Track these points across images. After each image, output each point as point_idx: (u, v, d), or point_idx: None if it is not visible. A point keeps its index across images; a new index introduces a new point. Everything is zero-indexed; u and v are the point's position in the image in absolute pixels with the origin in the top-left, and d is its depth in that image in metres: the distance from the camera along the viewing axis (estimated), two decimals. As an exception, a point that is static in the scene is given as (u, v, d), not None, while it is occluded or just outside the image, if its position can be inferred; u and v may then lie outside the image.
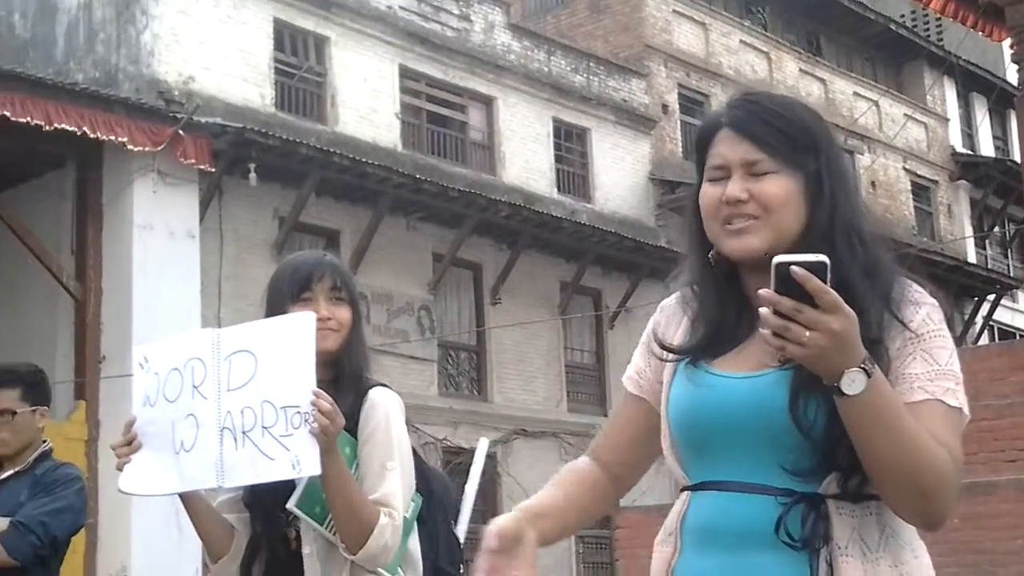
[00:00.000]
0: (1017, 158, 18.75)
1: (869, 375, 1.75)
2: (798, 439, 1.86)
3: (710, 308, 2.06)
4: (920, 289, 1.99)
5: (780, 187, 1.96)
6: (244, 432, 2.77)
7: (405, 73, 20.05)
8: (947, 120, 31.05)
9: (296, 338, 2.77)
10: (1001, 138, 32.52)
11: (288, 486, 2.87)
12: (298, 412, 2.72)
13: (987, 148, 31.82)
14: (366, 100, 19.32)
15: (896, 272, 2.00)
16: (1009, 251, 31.64)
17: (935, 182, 30.04)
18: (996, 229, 31.09)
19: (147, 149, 13.99)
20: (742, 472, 1.92)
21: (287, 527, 2.96)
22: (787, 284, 1.71)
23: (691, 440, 2.00)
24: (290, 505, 2.89)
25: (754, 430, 1.90)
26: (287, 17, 18.44)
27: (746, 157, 1.98)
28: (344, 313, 3.03)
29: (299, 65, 18.73)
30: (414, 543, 3.08)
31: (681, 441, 2.02)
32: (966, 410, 1.92)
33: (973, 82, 31.08)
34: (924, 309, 1.95)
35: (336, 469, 2.79)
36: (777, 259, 1.74)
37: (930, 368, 1.90)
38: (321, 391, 2.75)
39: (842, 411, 1.78)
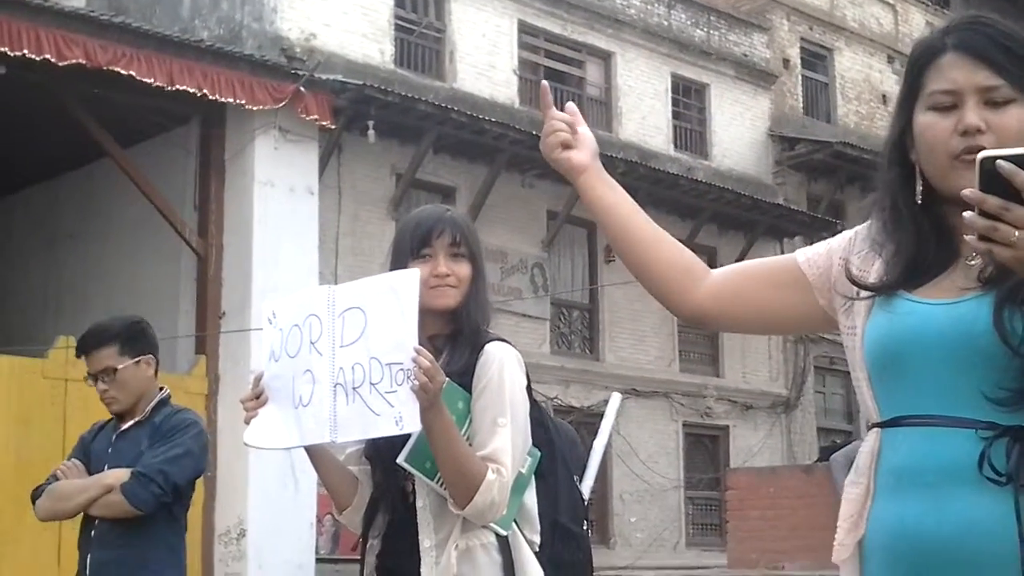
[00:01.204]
0: None
1: None
2: (1004, 360, 1.77)
3: (908, 243, 1.93)
4: None
5: (1020, 118, 1.85)
6: (354, 388, 2.81)
7: (523, 28, 20.00)
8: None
9: (401, 295, 2.78)
10: None
11: (406, 440, 2.91)
12: (401, 369, 2.74)
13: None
14: (484, 56, 19.33)
15: None
16: None
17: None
18: None
19: (268, 107, 14.17)
20: (941, 404, 1.82)
21: (405, 481, 2.99)
22: (994, 182, 1.61)
23: (887, 370, 1.90)
24: (400, 460, 2.93)
25: (956, 355, 1.82)
26: (407, -27, 18.53)
27: (983, 83, 1.85)
28: (464, 269, 3.03)
29: (419, 21, 18.80)
30: (531, 499, 3.07)
31: (876, 371, 1.93)
32: None
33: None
34: None
35: (440, 425, 2.80)
36: (982, 154, 1.64)
37: None
38: (422, 348, 2.75)
39: None
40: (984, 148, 1.80)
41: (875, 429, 1.93)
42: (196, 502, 14.26)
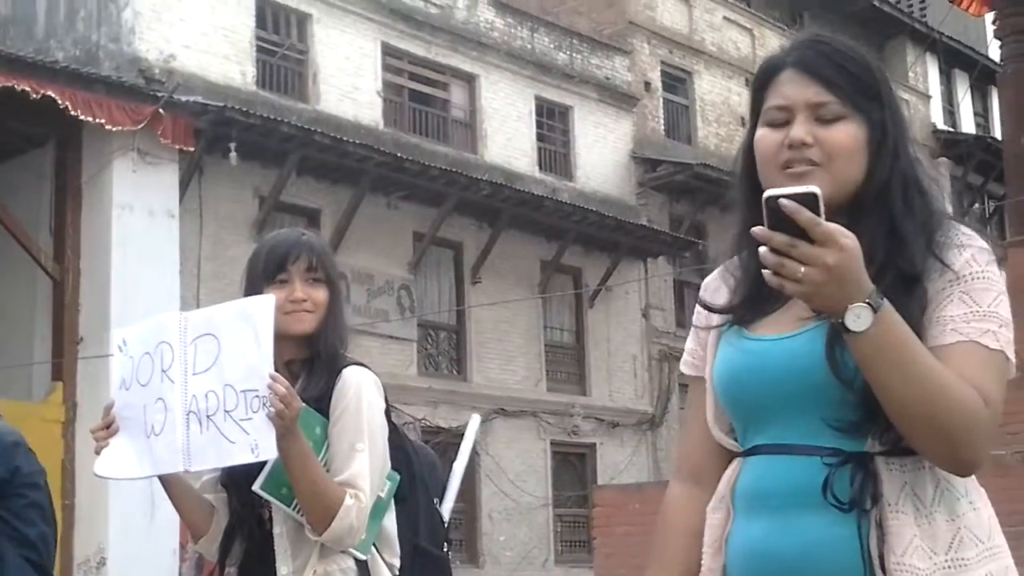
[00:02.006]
0: (998, 135, 18.80)
1: (876, 310, 1.68)
2: (840, 392, 1.80)
3: (750, 267, 1.95)
4: (969, 232, 1.90)
5: (848, 134, 1.88)
6: (208, 416, 2.77)
7: (387, 51, 20.00)
8: (929, 97, 31.07)
9: (255, 320, 2.77)
10: (982, 115, 32.58)
11: (262, 467, 2.88)
12: (257, 396, 2.73)
13: (968, 125, 31.86)
14: (348, 78, 19.28)
15: (947, 218, 1.92)
16: (988, 228, 31.74)
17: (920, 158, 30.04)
18: (976, 206, 31.16)
19: (127, 128, 13.94)
20: (789, 434, 1.86)
21: (262, 508, 2.97)
22: (781, 218, 1.66)
23: (736, 407, 1.95)
24: (256, 487, 2.90)
25: (796, 390, 1.85)
26: (269, -6, 18.41)
27: (813, 99, 1.89)
28: (320, 294, 3.01)
29: (281, 43, 18.67)
30: (391, 522, 3.06)
31: (728, 408, 1.98)
32: (1010, 354, 1.82)
33: (955, 59, 31.09)
34: (969, 251, 1.86)
35: (297, 452, 2.78)
36: (767, 193, 1.68)
37: (969, 310, 1.82)
38: (277, 375, 2.73)
39: (852, 350, 1.72)
40: (812, 161, 1.87)
41: (736, 459, 1.98)
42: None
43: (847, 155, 1.88)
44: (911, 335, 1.73)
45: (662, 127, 24.74)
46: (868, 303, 1.68)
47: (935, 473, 1.83)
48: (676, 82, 25.36)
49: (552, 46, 22.79)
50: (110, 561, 12.64)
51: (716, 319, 2.03)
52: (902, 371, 1.71)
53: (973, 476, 1.85)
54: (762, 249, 1.69)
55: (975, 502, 1.86)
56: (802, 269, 1.66)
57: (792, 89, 1.91)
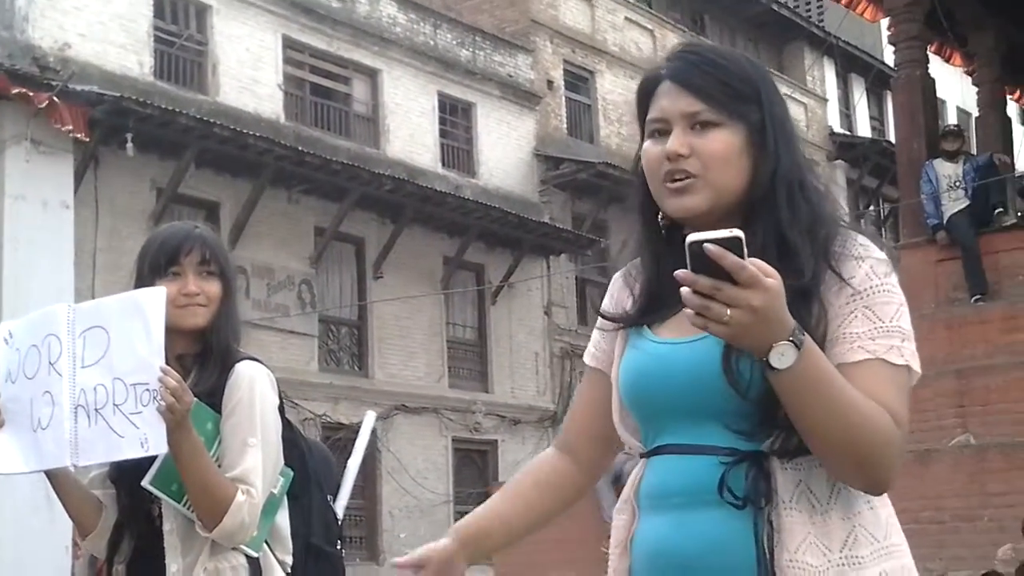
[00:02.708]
0: (892, 139, 19.19)
1: (799, 347, 1.69)
2: (737, 400, 1.82)
3: (652, 271, 2.00)
4: (865, 242, 1.91)
5: (722, 142, 1.89)
6: (96, 409, 2.76)
7: (288, 43, 19.81)
8: (826, 100, 31.60)
9: (146, 313, 2.74)
10: (878, 119, 33.21)
11: (152, 462, 2.84)
12: (147, 389, 2.70)
13: (864, 129, 32.46)
14: (248, 70, 19.05)
15: (839, 225, 1.93)
16: (883, 230, 32.37)
17: (813, 161, 30.54)
18: (871, 208, 31.76)
19: (19, 116, 13.61)
20: (689, 435, 1.89)
21: (151, 504, 2.92)
22: (704, 261, 1.65)
23: (639, 408, 1.97)
24: (145, 482, 2.85)
25: (695, 395, 1.87)
26: (167, -16, 18.11)
27: (686, 109, 1.90)
28: (213, 287, 2.97)
29: (179, 33, 18.39)
30: (283, 519, 3.03)
31: (632, 409, 2.00)
32: (915, 366, 1.86)
33: (852, 63, 31.66)
34: (867, 263, 1.88)
35: (188, 446, 2.75)
36: (690, 238, 1.67)
37: (873, 326, 1.84)
38: (168, 368, 2.71)
39: (775, 385, 1.73)
40: (688, 172, 1.89)
41: (642, 459, 2.00)
42: (-59, 528, 13.36)
43: (722, 162, 1.89)
44: (830, 368, 1.75)
45: (565, 125, 24.82)
46: (791, 341, 1.68)
47: None
48: (579, 81, 25.47)
49: (455, 43, 22.76)
50: (1, 559, 12.34)
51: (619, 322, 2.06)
52: (823, 403, 1.72)
53: None
54: (684, 291, 1.67)
55: (872, 500, 1.88)
56: (728, 312, 1.65)
57: (667, 101, 1.92)
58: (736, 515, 1.83)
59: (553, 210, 23.46)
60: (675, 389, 1.90)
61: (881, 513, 1.89)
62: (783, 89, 30.30)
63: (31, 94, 13.60)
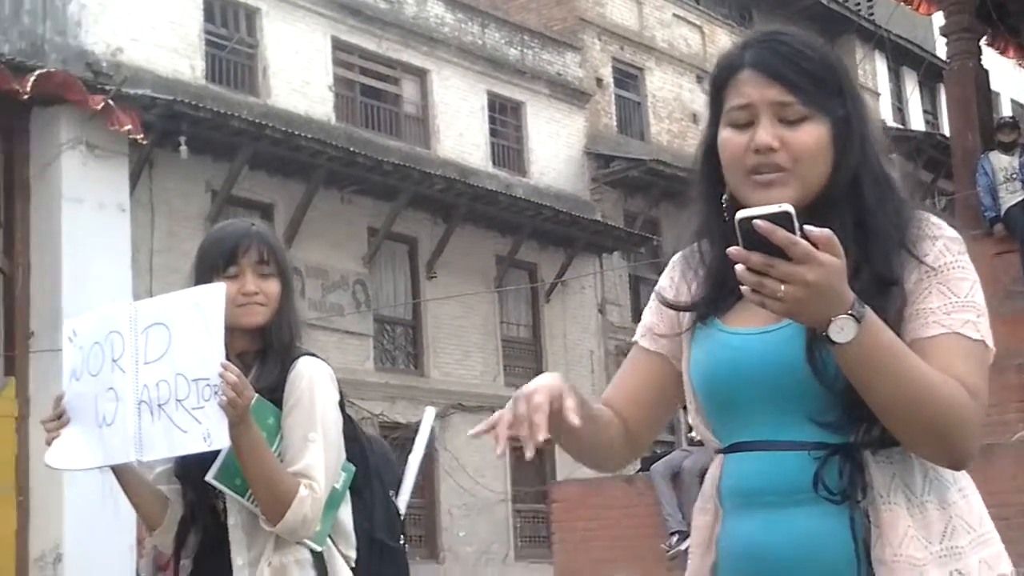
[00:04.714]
0: (946, 132, 19.00)
1: (859, 320, 1.67)
2: (822, 390, 1.80)
3: (717, 259, 1.94)
4: (938, 222, 1.90)
5: (812, 136, 1.85)
6: (159, 405, 2.77)
7: (338, 45, 19.90)
8: (878, 94, 31.34)
9: (206, 310, 2.76)
10: (931, 112, 32.89)
11: (216, 457, 2.86)
12: (208, 384, 2.72)
13: (917, 122, 32.16)
14: (299, 72, 19.16)
15: (916, 210, 1.92)
16: (938, 224, 32.08)
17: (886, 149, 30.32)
18: (927, 202, 31.48)
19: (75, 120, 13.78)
20: (772, 430, 1.86)
21: (216, 498, 2.95)
22: (756, 238, 1.64)
23: (716, 403, 1.93)
24: (209, 477, 2.88)
25: (777, 387, 1.84)
26: (217, -13, 18.25)
27: (776, 99, 1.86)
28: (272, 286, 2.98)
29: (230, 36, 18.52)
30: (346, 514, 3.05)
31: (707, 404, 1.95)
32: (990, 343, 1.84)
33: (903, 56, 31.38)
34: (941, 242, 1.87)
35: (249, 441, 2.77)
36: (740, 214, 1.66)
37: (947, 301, 1.82)
38: (229, 363, 2.72)
39: (839, 360, 1.71)
40: (780, 166, 1.85)
41: (718, 455, 1.96)
42: (8, 525, 13.68)
43: (813, 157, 1.86)
44: (895, 340, 1.73)
45: (615, 123, 24.78)
46: (851, 314, 1.67)
47: (923, 463, 1.83)
48: (628, 78, 25.41)
49: (503, 41, 22.77)
50: (66, 557, 12.51)
51: (686, 316, 2.01)
52: (889, 376, 1.71)
53: None
54: (739, 268, 1.67)
55: (964, 489, 1.87)
56: (782, 288, 1.64)
57: (754, 90, 1.87)
58: (830, 512, 1.81)
59: (605, 208, 23.42)
60: (754, 381, 1.86)
61: (973, 501, 1.87)
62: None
63: (86, 99, 13.73)
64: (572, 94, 23.76)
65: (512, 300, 21.84)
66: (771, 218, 1.64)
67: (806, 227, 1.65)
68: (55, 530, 12.53)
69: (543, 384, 1.86)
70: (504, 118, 22.68)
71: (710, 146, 1.95)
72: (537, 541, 20.85)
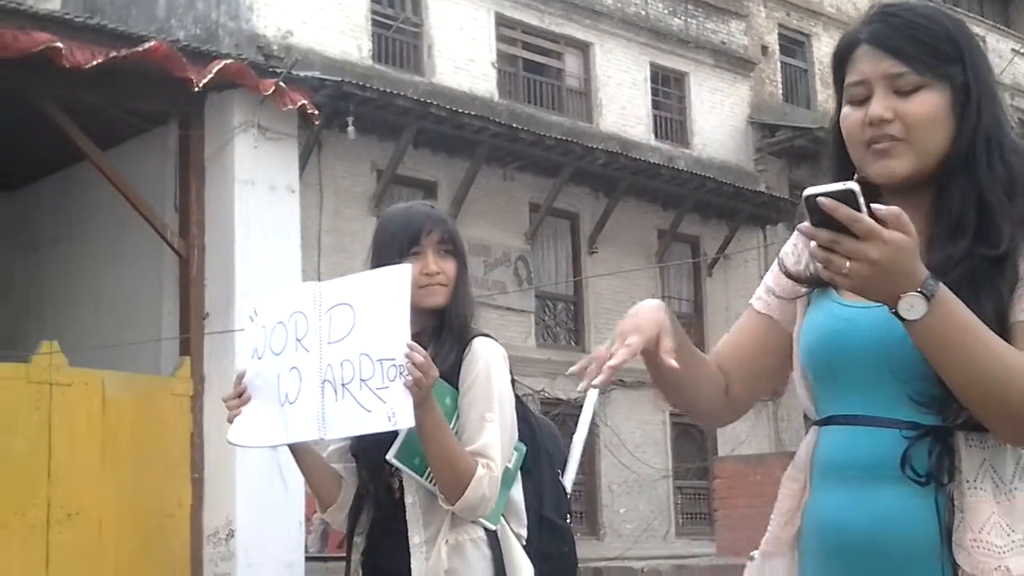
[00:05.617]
0: None
1: (929, 297, 1.68)
2: (925, 369, 1.78)
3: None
4: None
5: (927, 105, 1.87)
6: (343, 384, 2.79)
7: (501, 21, 19.97)
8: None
9: (392, 291, 2.78)
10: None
11: (393, 437, 2.91)
12: (393, 365, 2.73)
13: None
14: (462, 50, 19.30)
15: None
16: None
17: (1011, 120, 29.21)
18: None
19: (248, 102, 14.13)
20: (869, 405, 1.87)
21: (391, 477, 3.01)
22: (825, 215, 1.66)
23: (819, 372, 1.96)
24: (389, 456, 2.94)
25: (881, 362, 1.85)
26: (383, -31, 18.49)
27: (888, 71, 1.88)
28: (451, 266, 3.05)
29: (396, 16, 18.76)
30: (518, 493, 3.10)
31: (810, 373, 1.98)
32: None
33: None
34: None
35: (431, 421, 2.81)
36: (806, 192, 1.69)
37: None
38: (415, 344, 2.75)
39: (912, 337, 1.72)
40: (894, 137, 1.87)
41: (814, 426, 1.97)
42: (184, 503, 14.17)
43: (927, 125, 1.87)
44: (973, 320, 1.72)
45: (780, 91, 24.36)
46: (921, 292, 1.67)
47: (1016, 450, 1.82)
48: (794, 45, 24.94)
49: (666, 12, 22.54)
50: (238, 532, 12.88)
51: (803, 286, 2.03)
52: (964, 356, 1.70)
53: None
54: (811, 245, 1.70)
55: None
56: (847, 264, 1.67)
57: (867, 65, 1.90)
58: (916, 492, 1.80)
59: (769, 178, 23.06)
60: (860, 354, 1.88)
61: None
62: (1010, 44, 29.06)
63: (258, 83, 14.05)
64: (736, 63, 23.41)
65: (674, 274, 21.69)
66: (836, 196, 1.66)
67: (873, 205, 1.66)
68: (228, 506, 12.89)
69: (645, 319, 1.90)
70: (667, 89, 22.47)
71: (837, 123, 1.98)
72: (699, 518, 20.79)
